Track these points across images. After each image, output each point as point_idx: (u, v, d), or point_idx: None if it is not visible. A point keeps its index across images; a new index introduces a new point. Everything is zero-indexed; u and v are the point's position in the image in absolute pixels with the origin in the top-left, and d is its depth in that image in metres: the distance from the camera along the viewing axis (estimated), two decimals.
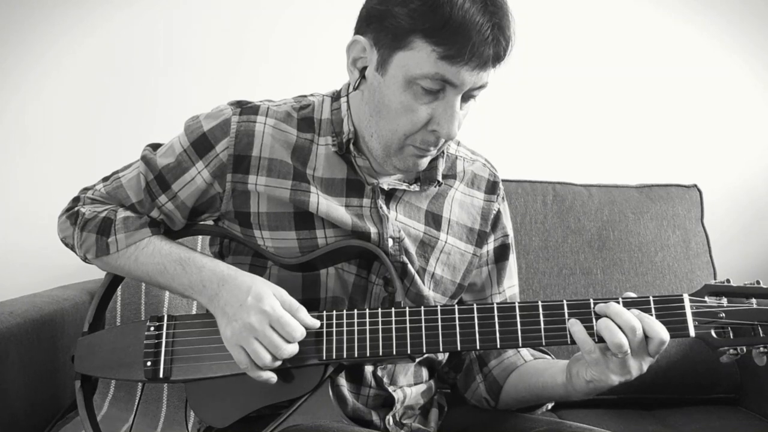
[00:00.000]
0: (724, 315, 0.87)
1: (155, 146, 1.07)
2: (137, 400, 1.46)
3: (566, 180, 1.72)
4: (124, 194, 1.04)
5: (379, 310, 0.93)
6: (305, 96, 1.07)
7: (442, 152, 1.05)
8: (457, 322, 0.91)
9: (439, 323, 0.91)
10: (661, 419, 1.49)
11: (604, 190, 1.70)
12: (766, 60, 1.97)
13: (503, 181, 1.17)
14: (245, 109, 1.02)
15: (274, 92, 1.14)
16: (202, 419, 1.02)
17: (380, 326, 0.92)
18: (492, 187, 1.13)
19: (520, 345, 0.90)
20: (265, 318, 0.89)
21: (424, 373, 1.11)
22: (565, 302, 0.90)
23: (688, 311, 0.88)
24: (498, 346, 0.90)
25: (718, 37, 1.97)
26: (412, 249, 1.03)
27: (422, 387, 1.10)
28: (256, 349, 0.89)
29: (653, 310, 0.88)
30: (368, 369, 1.02)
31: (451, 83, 0.88)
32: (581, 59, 1.95)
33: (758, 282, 0.89)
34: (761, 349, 0.86)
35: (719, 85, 1.97)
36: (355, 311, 0.93)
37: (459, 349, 0.91)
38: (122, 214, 1.02)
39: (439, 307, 0.92)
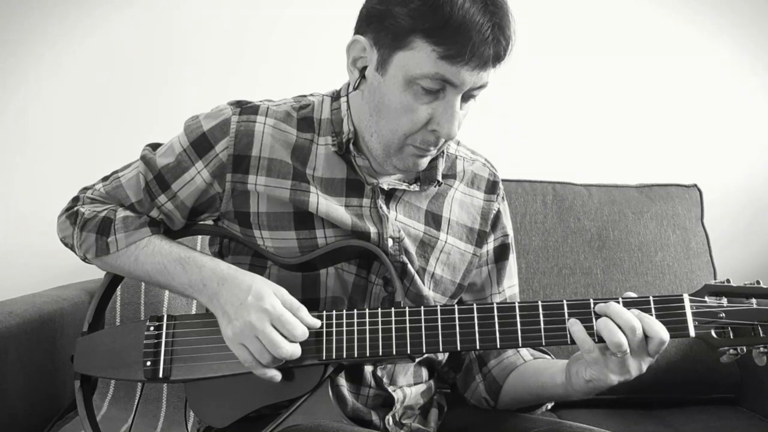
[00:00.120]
0: (724, 315, 0.87)
1: (155, 146, 1.07)
2: (137, 400, 1.46)
3: (566, 180, 1.72)
4: (123, 194, 1.04)
5: (379, 310, 0.93)
6: (305, 96, 1.07)
7: (442, 152, 1.05)
8: (456, 322, 0.91)
9: (439, 323, 0.91)
10: (661, 419, 1.49)
11: (604, 190, 1.70)
12: (766, 60, 1.97)
13: (503, 180, 1.17)
14: (245, 108, 1.02)
15: (274, 92, 1.14)
16: (201, 419, 1.02)
17: (380, 326, 0.92)
18: (492, 187, 1.13)
19: (520, 345, 0.90)
20: (265, 316, 0.89)
21: (424, 373, 1.11)
22: (564, 302, 0.90)
23: (688, 311, 0.87)
24: (498, 346, 0.90)
25: (719, 37, 1.97)
26: (412, 249, 1.03)
27: (422, 387, 1.10)
28: (259, 347, 0.89)
29: (653, 310, 0.88)
30: (368, 369, 1.02)
31: (451, 83, 0.88)
32: (581, 59, 1.95)
33: (758, 282, 0.89)
34: (761, 349, 0.86)
35: (719, 84, 1.97)
36: (355, 311, 0.93)
37: (459, 349, 0.91)
38: (122, 213, 1.02)
39: (438, 307, 0.92)
